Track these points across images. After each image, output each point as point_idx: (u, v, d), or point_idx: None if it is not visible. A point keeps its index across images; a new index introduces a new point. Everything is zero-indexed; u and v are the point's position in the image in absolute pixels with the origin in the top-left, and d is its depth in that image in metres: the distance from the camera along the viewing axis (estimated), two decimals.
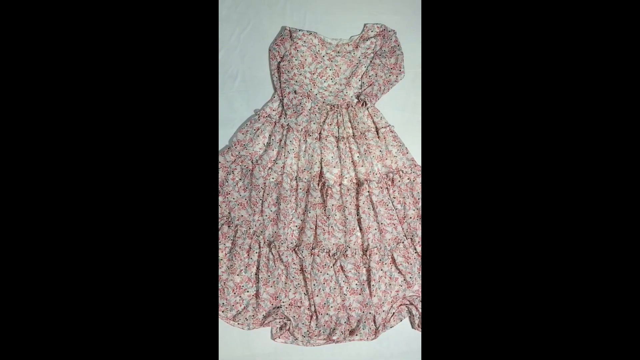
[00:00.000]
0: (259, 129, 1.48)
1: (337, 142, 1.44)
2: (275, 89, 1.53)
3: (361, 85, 1.51)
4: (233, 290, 1.37)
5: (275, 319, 1.33)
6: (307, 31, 1.55)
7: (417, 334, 1.39)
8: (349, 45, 1.56)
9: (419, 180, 1.45)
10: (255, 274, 1.37)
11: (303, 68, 1.52)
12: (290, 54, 1.53)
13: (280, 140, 1.45)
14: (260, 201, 1.41)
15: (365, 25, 1.58)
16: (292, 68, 1.51)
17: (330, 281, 1.35)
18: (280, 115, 1.49)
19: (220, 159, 1.46)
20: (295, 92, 1.48)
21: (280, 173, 1.41)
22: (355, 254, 1.37)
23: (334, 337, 1.32)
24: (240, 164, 1.44)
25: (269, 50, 1.55)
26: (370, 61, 1.53)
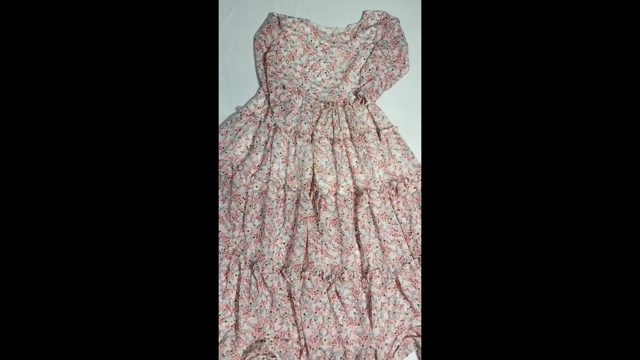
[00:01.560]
0: (241, 129, 1.36)
1: (332, 145, 1.34)
2: (260, 83, 1.42)
3: (360, 80, 1.40)
4: None
5: (258, 354, 1.20)
6: (298, 18, 1.44)
7: None
8: (345, 34, 1.45)
9: None
10: (235, 301, 1.24)
11: (293, 60, 1.41)
12: (278, 44, 1.41)
13: (266, 143, 1.34)
14: (242, 214, 1.28)
15: (364, 12, 1.48)
16: (280, 60, 1.40)
17: (324, 309, 1.23)
18: (266, 114, 1.37)
19: None
20: (283, 87, 1.37)
21: (265, 181, 1.30)
22: (353, 276, 1.25)
23: None
24: (218, 170, 1.30)
25: (254, 39, 1.44)
26: (371, 53, 1.42)
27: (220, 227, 1.28)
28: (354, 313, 1.23)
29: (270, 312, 1.23)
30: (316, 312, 1.22)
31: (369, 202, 1.27)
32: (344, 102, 1.38)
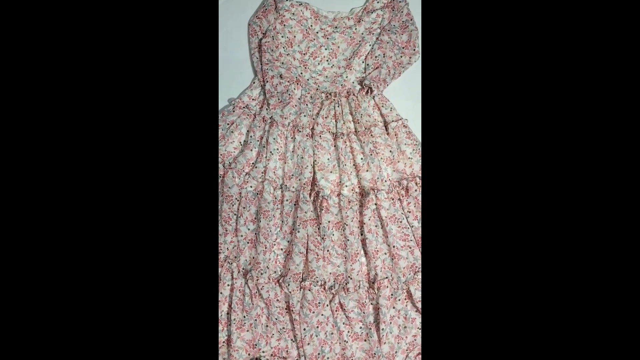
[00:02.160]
0: (233, 123, 1.26)
1: (334, 140, 1.24)
2: (255, 72, 1.32)
3: (365, 68, 1.30)
4: None
5: None
6: (297, 2, 1.33)
7: None
8: (349, 19, 1.34)
9: None
10: (227, 314, 1.17)
11: (291, 47, 1.31)
12: (275, 30, 1.31)
13: (261, 138, 1.24)
14: (235, 217, 1.20)
15: None
16: (277, 47, 1.30)
17: (326, 324, 1.14)
18: (262, 106, 1.28)
19: None
20: (280, 76, 1.27)
21: (260, 180, 1.20)
22: (359, 287, 1.16)
23: None
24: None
25: (249, 25, 1.33)
26: (377, 38, 1.32)
27: None
28: (360, 328, 1.14)
29: (267, 326, 1.15)
30: (318, 327, 1.13)
31: (376, 204, 1.18)
32: (347, 92, 1.28)
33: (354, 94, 1.27)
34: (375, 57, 1.29)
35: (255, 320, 1.14)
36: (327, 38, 1.32)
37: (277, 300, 1.15)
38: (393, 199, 1.19)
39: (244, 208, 1.18)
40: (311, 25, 1.32)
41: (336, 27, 1.33)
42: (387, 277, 1.15)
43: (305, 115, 1.25)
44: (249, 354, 1.13)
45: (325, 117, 1.25)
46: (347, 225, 1.16)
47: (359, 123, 1.25)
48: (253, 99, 1.28)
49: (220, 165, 1.21)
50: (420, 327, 1.16)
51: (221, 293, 1.15)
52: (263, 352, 1.13)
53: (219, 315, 1.14)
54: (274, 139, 1.21)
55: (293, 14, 1.31)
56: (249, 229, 1.18)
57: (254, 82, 1.30)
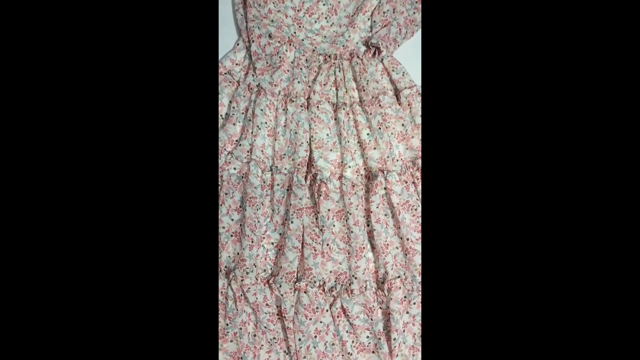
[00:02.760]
0: None
1: (334, 111, 1.14)
2: (239, 32, 1.18)
3: (372, 26, 1.18)
4: None
5: None
6: None
7: None
8: None
9: None
10: None
11: (283, 2, 1.19)
12: None
13: (247, 110, 1.13)
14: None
15: None
16: (266, 2, 1.18)
17: (326, 332, 1.06)
18: (247, 72, 1.16)
19: None
20: (269, 36, 1.14)
21: (246, 160, 1.10)
22: (365, 288, 1.06)
23: None
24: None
25: None
26: None
27: None
28: (367, 337, 1.05)
29: (254, 336, 1.07)
30: (316, 337, 1.05)
31: (385, 188, 1.07)
32: (350, 54, 1.15)
33: (358, 57, 1.14)
34: (384, 12, 1.15)
35: (241, 328, 1.04)
36: None
37: (267, 304, 1.04)
38: (406, 182, 1.06)
39: (226, 194, 1.06)
40: None
41: None
42: (399, 276, 1.05)
43: (299, 82, 1.12)
44: None
45: (324, 84, 1.13)
46: (350, 214, 1.05)
47: (364, 91, 1.12)
48: (236, 64, 1.14)
49: None
50: None
51: None
52: None
53: None
54: (262, 110, 1.08)
55: None
56: (232, 220, 1.06)
57: (237, 44, 1.15)
